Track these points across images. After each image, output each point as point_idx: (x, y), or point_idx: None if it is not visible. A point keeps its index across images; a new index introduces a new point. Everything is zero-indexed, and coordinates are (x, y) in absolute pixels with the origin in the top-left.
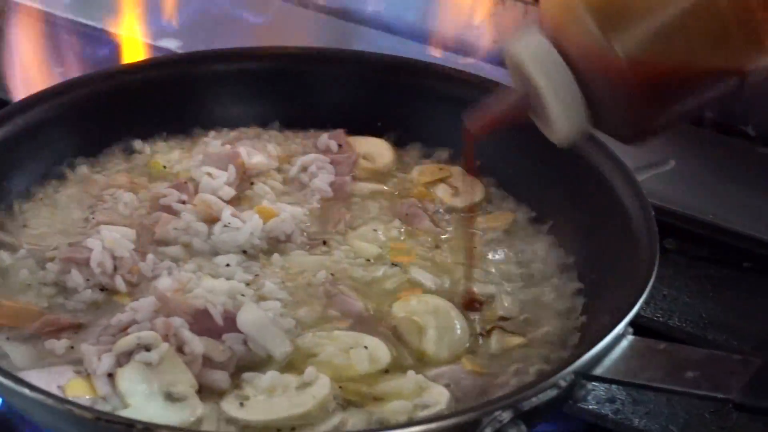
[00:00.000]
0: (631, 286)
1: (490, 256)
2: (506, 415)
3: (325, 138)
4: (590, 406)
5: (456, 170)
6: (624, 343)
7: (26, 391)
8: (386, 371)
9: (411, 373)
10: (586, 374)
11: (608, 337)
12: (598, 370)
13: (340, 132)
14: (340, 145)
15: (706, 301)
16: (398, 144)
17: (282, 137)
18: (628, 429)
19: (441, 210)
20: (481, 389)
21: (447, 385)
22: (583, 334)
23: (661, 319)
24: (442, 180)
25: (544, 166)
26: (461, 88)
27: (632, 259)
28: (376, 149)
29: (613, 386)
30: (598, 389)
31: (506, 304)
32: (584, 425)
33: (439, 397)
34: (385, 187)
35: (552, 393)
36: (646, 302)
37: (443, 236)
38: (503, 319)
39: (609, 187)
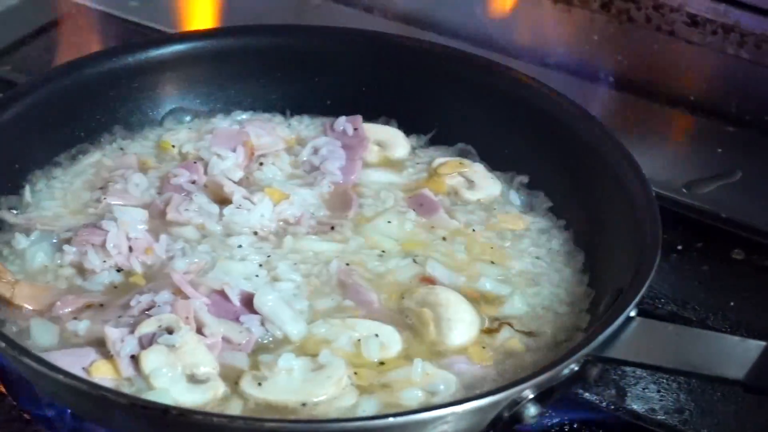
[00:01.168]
0: (637, 270)
1: (503, 251)
2: (522, 397)
3: (342, 120)
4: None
5: (478, 166)
6: (633, 325)
7: (60, 377)
8: (396, 360)
9: (418, 360)
10: (598, 356)
11: (618, 320)
12: (610, 352)
13: (357, 117)
14: (355, 129)
15: None
16: (411, 132)
17: (292, 120)
18: None
19: (457, 203)
20: (487, 379)
21: (454, 373)
22: (592, 318)
23: (727, 331)
24: (459, 173)
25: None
26: (483, 75)
27: (637, 245)
28: (391, 138)
29: None
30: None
31: (517, 304)
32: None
33: (447, 383)
34: (398, 179)
35: (566, 374)
36: (714, 313)
37: (458, 229)
38: (512, 318)
39: (615, 174)
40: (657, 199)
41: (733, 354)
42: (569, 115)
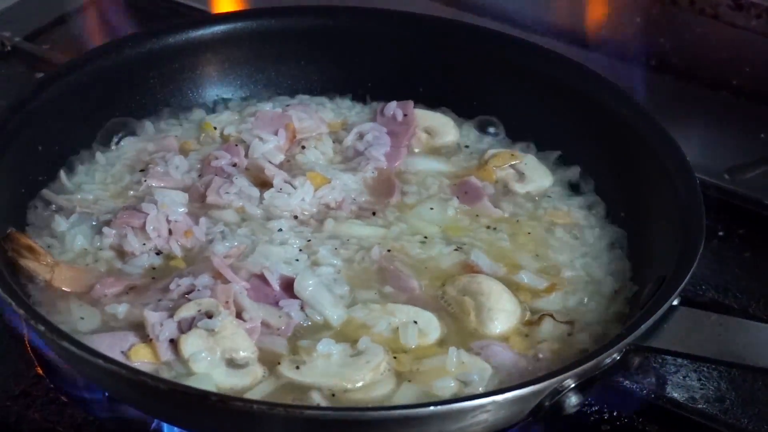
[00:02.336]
0: (680, 259)
1: (547, 243)
2: (564, 386)
3: (393, 105)
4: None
5: (530, 158)
6: (676, 314)
7: (100, 362)
8: (434, 347)
9: (452, 349)
10: (640, 345)
11: (661, 309)
12: (652, 341)
13: (408, 102)
14: (405, 115)
15: None
16: (461, 118)
17: (336, 104)
18: None
19: (506, 194)
20: (525, 369)
21: (489, 361)
22: (634, 306)
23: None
24: (511, 165)
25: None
26: (536, 62)
27: (681, 234)
28: (441, 125)
29: None
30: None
31: (559, 295)
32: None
33: (481, 373)
34: (445, 166)
35: (607, 363)
36: (756, 301)
37: (502, 218)
38: (553, 309)
39: (660, 163)
40: (699, 186)
41: None
42: (617, 103)
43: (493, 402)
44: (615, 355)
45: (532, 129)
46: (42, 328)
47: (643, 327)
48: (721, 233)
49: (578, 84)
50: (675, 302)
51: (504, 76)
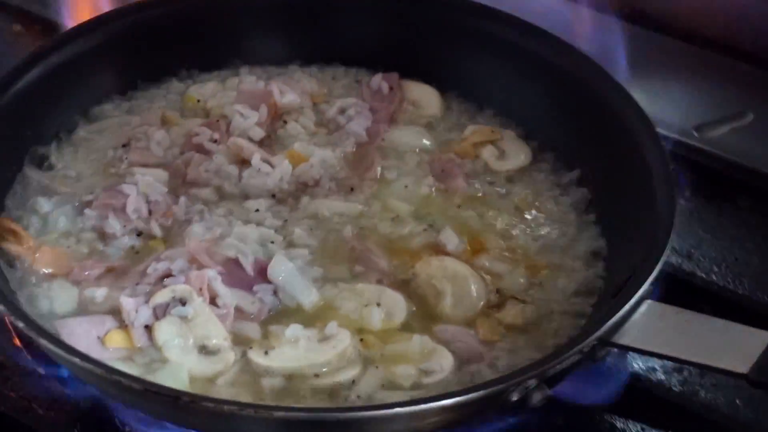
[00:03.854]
0: (648, 253)
1: (518, 223)
2: (533, 382)
3: (378, 78)
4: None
5: (508, 133)
6: (643, 308)
7: (77, 360)
8: (399, 331)
9: (416, 337)
10: (606, 341)
11: (626, 307)
12: (617, 338)
13: (394, 75)
14: (391, 88)
15: None
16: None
17: (318, 74)
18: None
19: (483, 172)
20: (488, 357)
21: (452, 349)
22: (602, 297)
23: (730, 286)
24: (491, 142)
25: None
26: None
27: (651, 223)
28: (425, 97)
29: None
30: None
31: (523, 277)
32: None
33: (443, 362)
34: (426, 141)
35: (575, 359)
36: (717, 266)
37: (475, 198)
38: (519, 292)
39: (638, 149)
40: (666, 142)
41: (742, 345)
42: (592, 77)
43: (446, 405)
44: (579, 354)
45: (513, 105)
46: (21, 324)
47: (609, 324)
48: (687, 193)
49: (567, 67)
50: (644, 297)
51: (488, 51)
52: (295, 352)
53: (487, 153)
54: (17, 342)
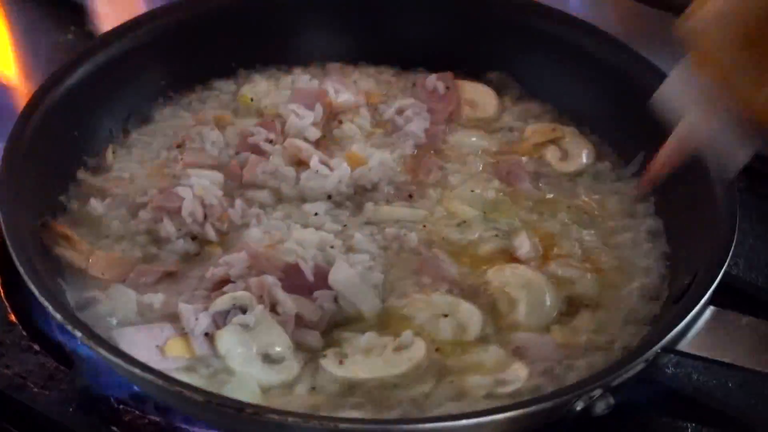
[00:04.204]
0: (710, 259)
1: (588, 227)
2: (597, 392)
3: (432, 79)
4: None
5: (569, 131)
6: (706, 315)
7: (137, 371)
8: (474, 341)
9: (494, 348)
10: (670, 349)
11: (691, 314)
12: (682, 345)
13: (448, 74)
14: (447, 88)
15: None
16: (497, 90)
17: (374, 73)
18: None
19: (548, 174)
20: (562, 362)
21: (528, 358)
22: (667, 298)
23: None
24: (552, 141)
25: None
26: (572, 34)
27: (713, 231)
28: (481, 97)
29: None
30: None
31: (595, 285)
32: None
33: (519, 373)
34: (487, 142)
35: (639, 368)
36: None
37: (544, 201)
38: (590, 299)
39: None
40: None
41: None
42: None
43: (519, 415)
44: (644, 363)
45: (576, 111)
46: (79, 334)
47: (673, 332)
48: None
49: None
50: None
51: (542, 50)
52: (371, 362)
53: (550, 154)
54: (12, 318)
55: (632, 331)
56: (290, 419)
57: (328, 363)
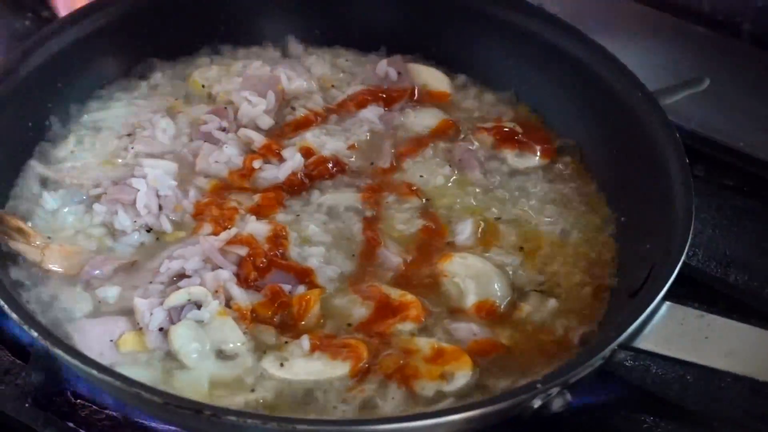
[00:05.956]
0: (666, 254)
1: (534, 215)
2: (555, 390)
3: (383, 65)
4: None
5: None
6: (662, 311)
7: (94, 372)
8: (417, 333)
9: (429, 340)
10: (627, 346)
11: (648, 309)
12: (638, 342)
13: (398, 58)
14: (399, 73)
15: (729, 235)
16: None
17: (330, 58)
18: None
19: (498, 164)
20: (510, 359)
21: (468, 347)
22: (618, 293)
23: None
24: (510, 138)
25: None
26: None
27: (668, 223)
28: (434, 80)
29: None
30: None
31: (537, 270)
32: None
33: (465, 368)
34: (447, 116)
35: (596, 365)
36: None
37: (491, 189)
38: (539, 284)
39: (653, 145)
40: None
41: (763, 351)
42: (605, 69)
43: (475, 415)
44: (601, 360)
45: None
46: (34, 333)
47: (631, 328)
48: None
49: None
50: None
51: (497, 36)
52: (310, 365)
53: (505, 147)
54: None
55: (583, 324)
56: (249, 421)
57: (269, 365)
